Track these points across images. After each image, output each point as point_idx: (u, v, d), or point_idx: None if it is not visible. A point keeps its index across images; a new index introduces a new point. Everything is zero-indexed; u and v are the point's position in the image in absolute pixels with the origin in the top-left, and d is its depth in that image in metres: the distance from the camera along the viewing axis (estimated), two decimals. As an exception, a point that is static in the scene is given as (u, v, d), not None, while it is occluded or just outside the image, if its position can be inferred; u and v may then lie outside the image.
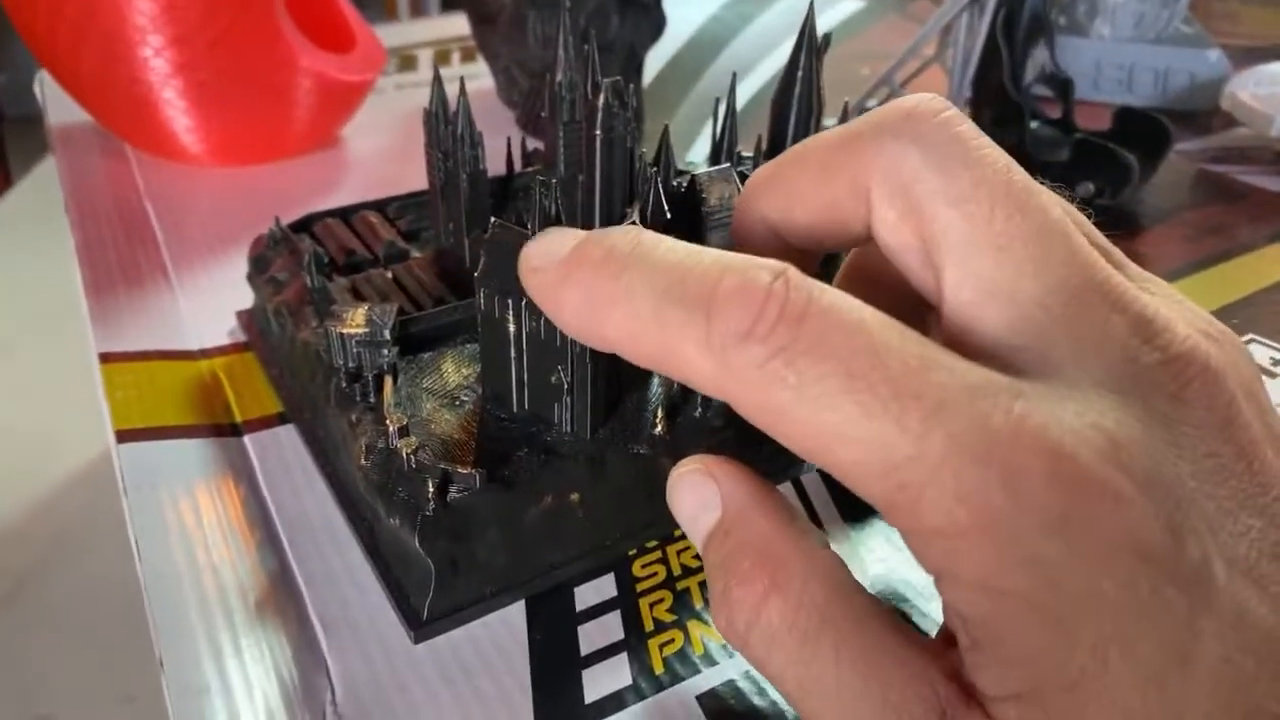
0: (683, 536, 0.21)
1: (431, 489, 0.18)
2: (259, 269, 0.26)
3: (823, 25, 0.58)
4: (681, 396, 0.21)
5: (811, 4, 0.23)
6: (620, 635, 0.19)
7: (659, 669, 0.18)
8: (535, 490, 0.19)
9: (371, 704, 0.17)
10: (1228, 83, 0.45)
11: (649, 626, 0.19)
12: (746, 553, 0.15)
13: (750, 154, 0.26)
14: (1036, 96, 0.40)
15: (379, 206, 0.28)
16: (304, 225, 0.27)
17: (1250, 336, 0.29)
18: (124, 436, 0.24)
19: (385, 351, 0.21)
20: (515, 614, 0.19)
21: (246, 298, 0.30)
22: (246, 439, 0.24)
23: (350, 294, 0.23)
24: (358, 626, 0.19)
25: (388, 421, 0.19)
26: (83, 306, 0.29)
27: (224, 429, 0.24)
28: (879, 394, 0.12)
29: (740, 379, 0.13)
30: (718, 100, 0.25)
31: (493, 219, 0.18)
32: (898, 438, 0.12)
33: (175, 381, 0.26)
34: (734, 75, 0.26)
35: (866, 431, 0.12)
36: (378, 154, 0.40)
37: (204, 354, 0.27)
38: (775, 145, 0.24)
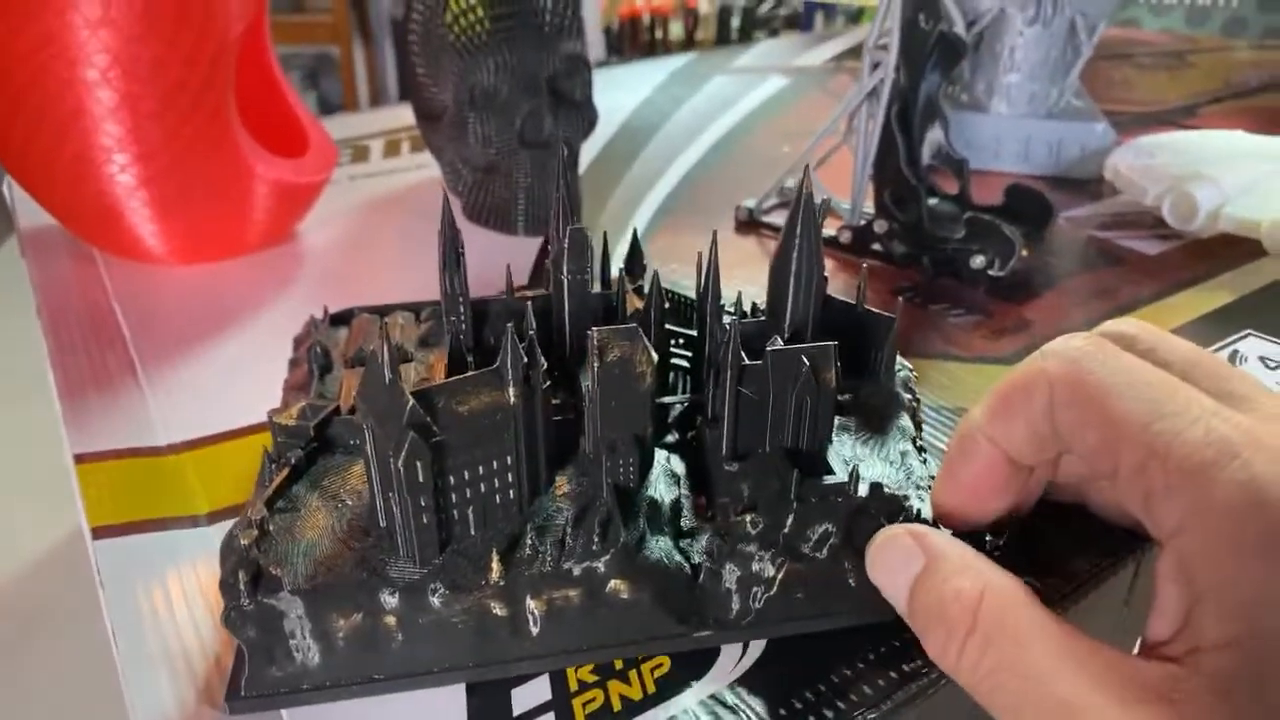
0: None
1: (244, 580, 0.20)
2: (295, 348, 0.29)
3: (749, 103, 0.62)
4: (531, 545, 0.22)
5: (806, 171, 0.25)
6: None
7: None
8: (350, 604, 0.20)
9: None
10: (1110, 154, 0.49)
11: None
12: (953, 591, 0.18)
13: (732, 309, 0.27)
14: (933, 168, 0.44)
15: (414, 309, 0.31)
16: (345, 317, 0.30)
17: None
18: (99, 533, 0.26)
19: (299, 446, 0.23)
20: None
21: (212, 392, 0.33)
22: (212, 529, 0.27)
23: (338, 385, 0.26)
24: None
25: (249, 511, 0.22)
26: (56, 408, 0.31)
27: (193, 520, 0.27)
28: None
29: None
30: (699, 255, 0.27)
31: (367, 358, 0.20)
32: None
33: (146, 477, 0.28)
34: (714, 234, 0.26)
35: None
36: (333, 246, 0.43)
37: (172, 449, 0.30)
38: (775, 308, 0.26)
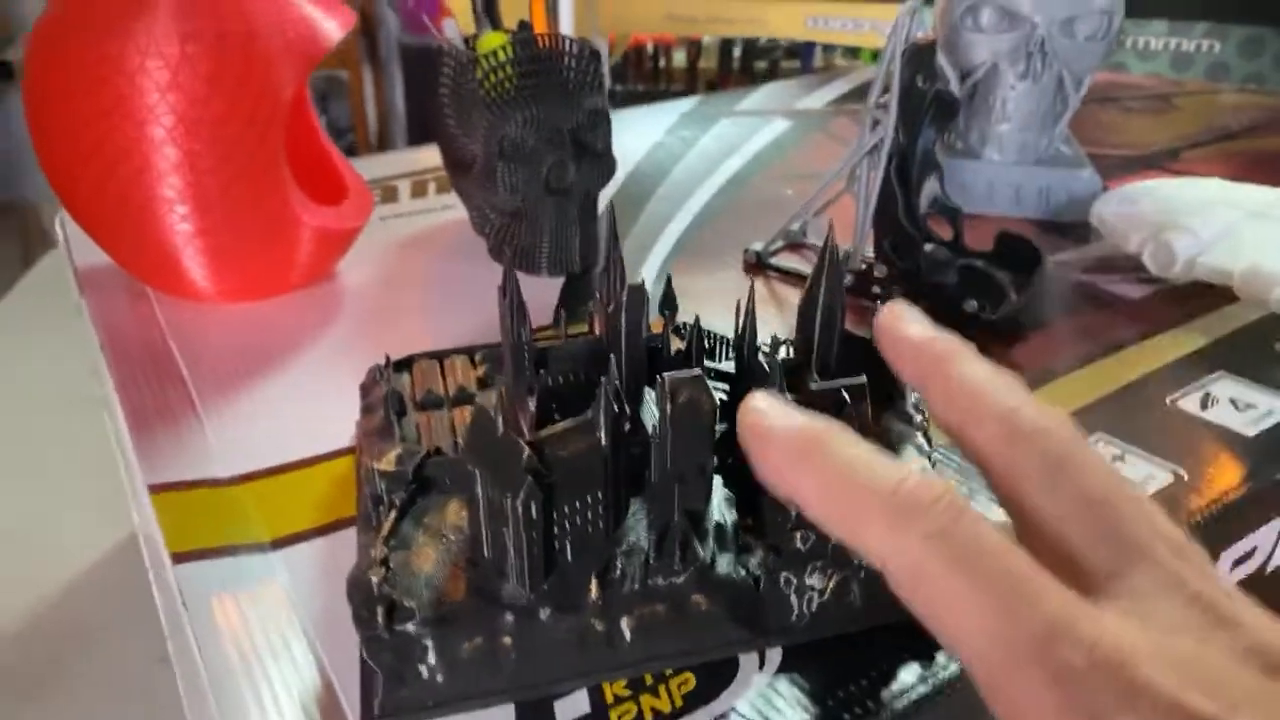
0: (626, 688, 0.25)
1: (381, 615, 0.23)
2: (364, 393, 0.32)
3: (753, 146, 0.65)
4: (620, 570, 0.25)
5: (830, 228, 0.29)
6: None
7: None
8: (473, 628, 0.24)
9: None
10: (1097, 200, 0.52)
11: None
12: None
13: (769, 347, 0.31)
14: (929, 215, 0.47)
15: (469, 353, 0.34)
16: (407, 363, 0.33)
17: (1099, 434, 0.36)
18: (178, 558, 0.29)
19: (402, 490, 0.26)
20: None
21: (266, 426, 0.35)
22: (276, 555, 0.29)
23: (415, 429, 0.29)
24: None
25: (375, 552, 0.25)
26: (126, 440, 0.34)
27: (260, 546, 0.30)
28: (1005, 599, 0.18)
29: (902, 543, 0.19)
30: (739, 302, 0.31)
31: (477, 406, 0.24)
32: (1008, 642, 0.17)
33: (212, 507, 0.31)
34: (752, 283, 0.31)
35: (990, 624, 0.18)
36: (370, 285, 0.46)
37: (232, 481, 0.33)
38: (804, 345, 0.30)
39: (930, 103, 0.44)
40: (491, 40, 0.49)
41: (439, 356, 0.34)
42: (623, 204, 0.55)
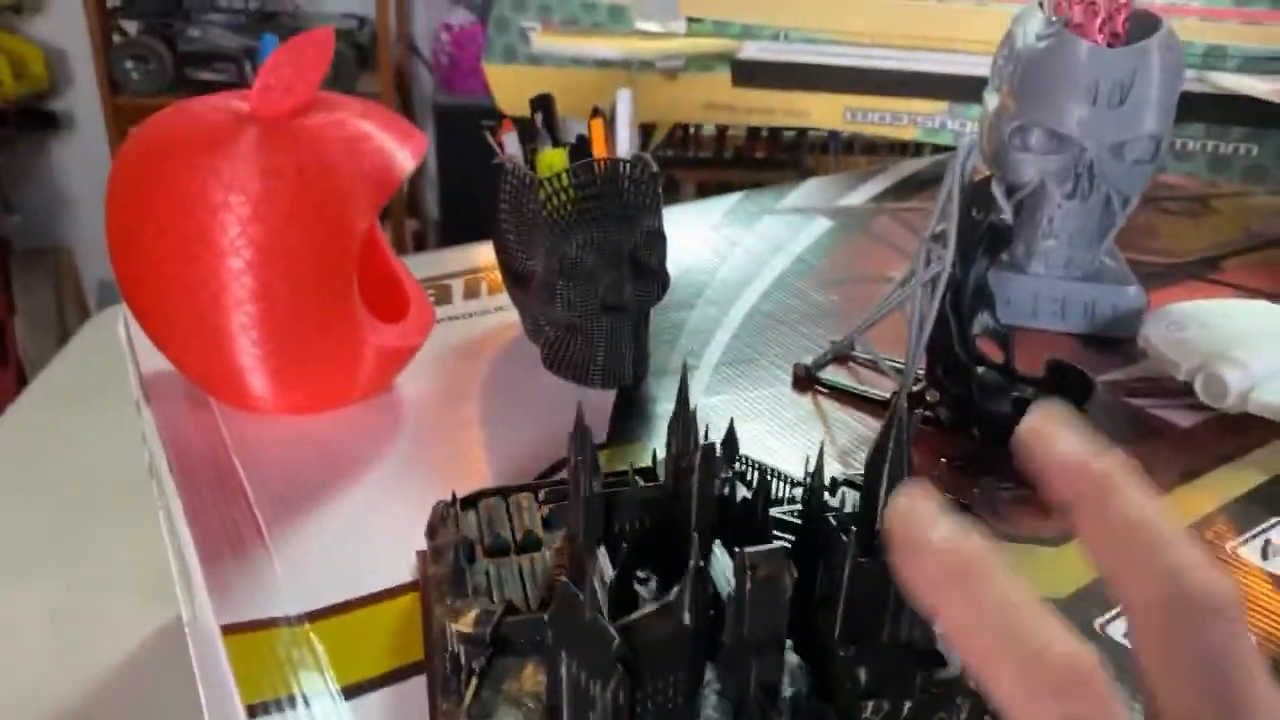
0: None
1: None
2: (430, 534, 0.33)
3: (797, 245, 0.66)
4: None
5: (897, 397, 0.30)
6: None
7: None
8: None
9: None
10: (1143, 322, 0.52)
11: None
12: None
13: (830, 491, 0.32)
14: (979, 336, 0.48)
15: (533, 489, 0.35)
16: (473, 500, 0.34)
17: (1159, 585, 0.36)
18: (252, 711, 0.29)
19: (480, 655, 0.27)
20: None
21: (331, 555, 0.36)
22: (347, 705, 0.30)
23: (484, 577, 0.30)
24: None
25: (467, 711, 0.25)
26: (197, 573, 0.35)
27: (330, 695, 0.30)
28: None
29: (1036, 713, 0.18)
30: (808, 458, 0.32)
31: (561, 585, 0.24)
32: None
33: (282, 649, 0.32)
34: (822, 445, 0.32)
35: None
36: (428, 396, 0.47)
37: (298, 619, 0.33)
38: (868, 505, 0.30)
39: (985, 232, 0.45)
40: (551, 157, 0.50)
41: (504, 494, 0.35)
42: (672, 307, 0.56)
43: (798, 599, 0.29)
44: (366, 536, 0.37)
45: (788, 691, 0.27)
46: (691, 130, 1.73)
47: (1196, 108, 0.76)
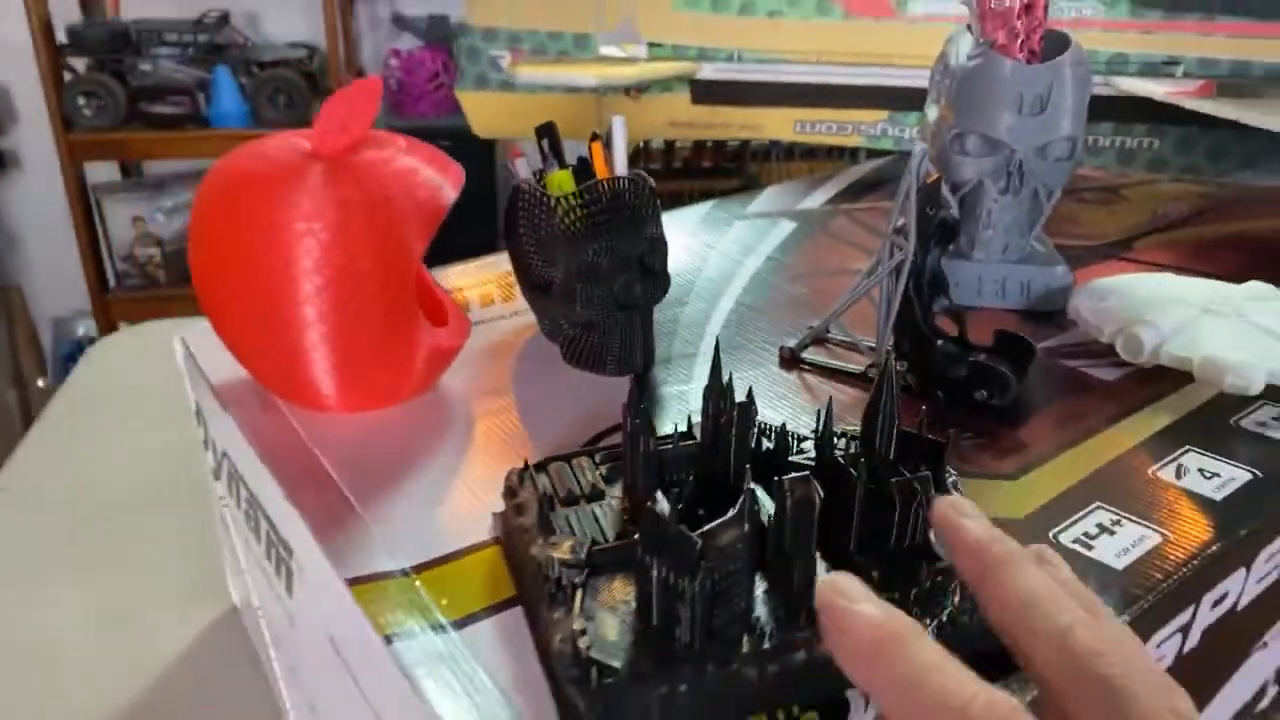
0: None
1: (595, 674, 0.30)
2: (509, 494, 0.40)
3: (767, 246, 0.74)
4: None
5: (889, 356, 0.38)
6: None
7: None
8: (659, 681, 0.31)
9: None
10: (1071, 296, 0.62)
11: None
12: None
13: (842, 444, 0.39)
14: (938, 314, 0.56)
15: (590, 454, 0.41)
16: (542, 465, 0.41)
17: (1097, 503, 0.44)
18: (387, 640, 0.36)
19: (579, 574, 0.34)
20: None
21: (416, 524, 0.42)
22: (457, 634, 0.36)
23: (565, 522, 0.36)
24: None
25: (573, 624, 0.32)
26: (310, 539, 0.41)
27: (442, 627, 0.36)
28: None
29: None
30: (819, 411, 0.39)
31: (654, 508, 0.31)
32: None
33: (395, 594, 0.38)
34: (829, 400, 0.40)
35: None
36: (468, 393, 0.53)
37: (404, 573, 0.40)
38: (868, 446, 0.38)
39: (937, 226, 0.53)
40: (559, 178, 0.57)
41: (567, 459, 0.42)
42: (668, 305, 0.63)
43: (820, 521, 0.36)
44: (444, 506, 0.44)
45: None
46: (642, 144, 1.81)
47: (1105, 108, 0.87)
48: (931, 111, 0.66)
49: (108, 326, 2.21)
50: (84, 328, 2.45)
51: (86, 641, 0.66)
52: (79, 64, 2.02)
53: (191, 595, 0.68)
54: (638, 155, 1.78)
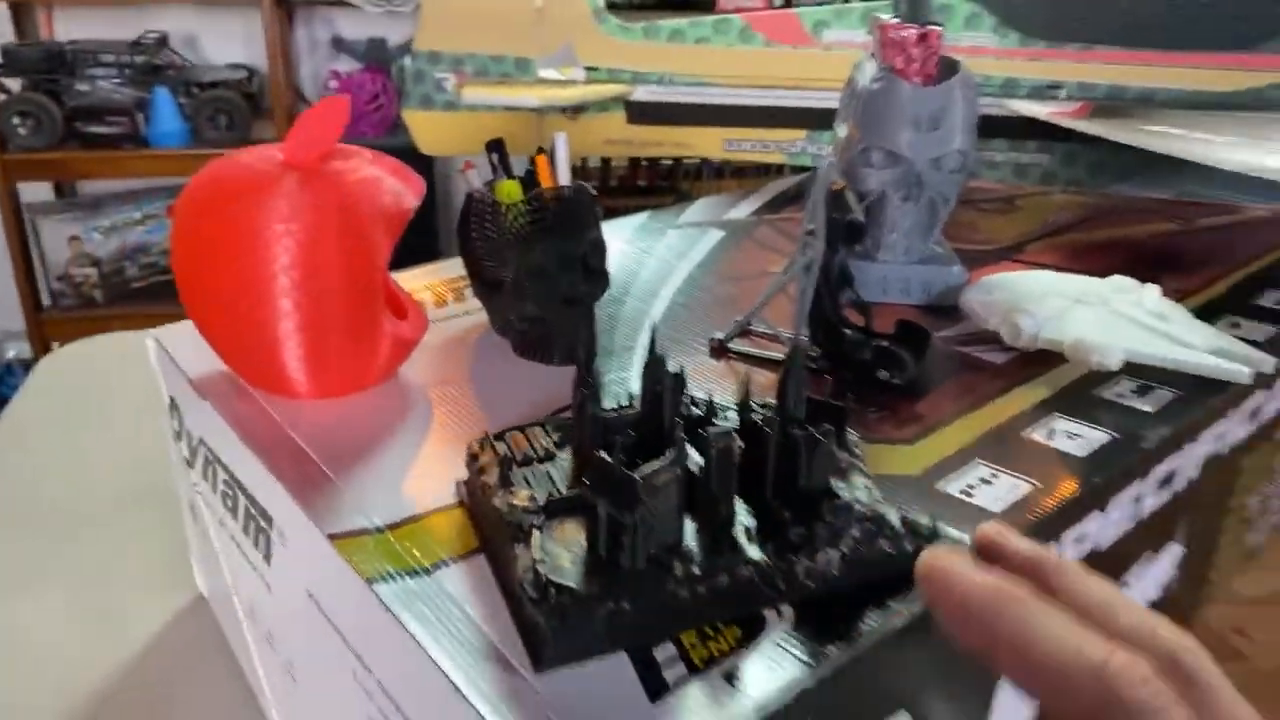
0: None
1: (553, 594, 0.36)
2: (472, 459, 0.45)
3: (698, 253, 0.81)
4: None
5: (797, 342, 0.44)
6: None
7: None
8: (605, 599, 0.37)
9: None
10: (963, 290, 0.70)
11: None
12: None
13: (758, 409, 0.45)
14: (847, 307, 0.63)
15: (541, 424, 0.47)
16: (500, 435, 0.46)
17: (978, 460, 0.51)
18: (371, 581, 0.41)
19: (536, 518, 0.39)
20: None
21: (392, 492, 0.48)
22: (432, 576, 0.42)
23: (522, 479, 0.42)
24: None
25: (533, 556, 0.38)
26: (291, 504, 0.46)
27: (422, 570, 0.42)
28: None
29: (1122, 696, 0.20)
30: (741, 379, 0.45)
31: (600, 456, 0.37)
32: None
33: (375, 548, 0.43)
34: (747, 374, 0.46)
35: None
36: (425, 383, 0.59)
37: (379, 530, 0.45)
38: (781, 411, 0.43)
39: (845, 228, 0.61)
40: (508, 187, 0.63)
41: (521, 429, 0.48)
42: (608, 304, 0.70)
43: (741, 470, 0.43)
44: (411, 476, 0.49)
45: (740, 528, 0.41)
46: (579, 163, 1.88)
47: (1000, 128, 0.96)
48: (841, 129, 0.74)
49: (42, 348, 2.19)
50: (15, 349, 2.42)
51: (53, 634, 0.69)
52: (13, 84, 2.02)
53: (158, 586, 0.72)
54: (576, 174, 1.85)
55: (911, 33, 0.70)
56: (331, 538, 0.44)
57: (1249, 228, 0.91)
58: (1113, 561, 0.54)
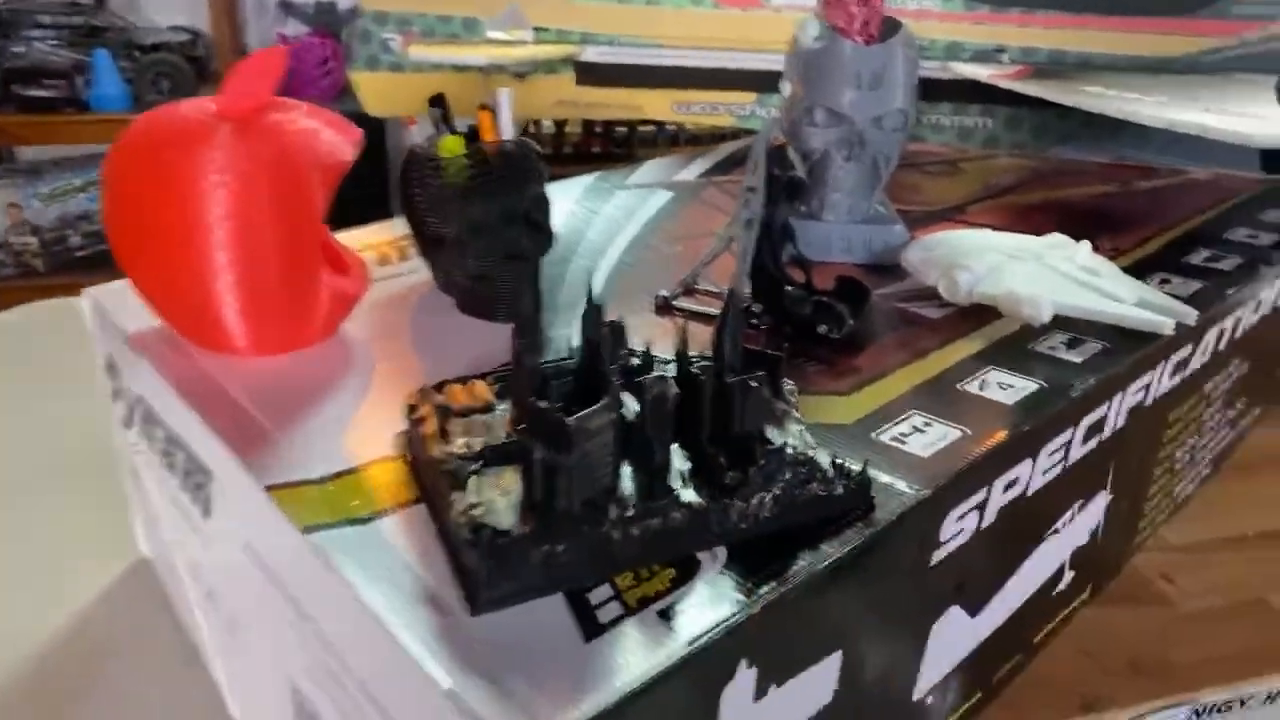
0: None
1: (486, 535, 0.36)
2: (410, 411, 0.45)
3: (645, 213, 0.81)
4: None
5: (732, 294, 0.44)
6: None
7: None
8: (540, 542, 0.37)
9: (504, 631, 0.36)
10: (906, 248, 0.71)
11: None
12: None
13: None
14: (788, 264, 0.64)
15: (482, 376, 0.47)
16: (440, 386, 0.46)
17: (912, 410, 0.53)
18: (307, 530, 0.41)
19: (474, 464, 0.40)
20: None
21: (330, 442, 0.48)
22: (371, 525, 0.42)
23: (460, 429, 0.42)
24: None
25: (469, 500, 0.38)
26: (229, 456, 0.46)
27: (362, 520, 0.42)
28: None
29: None
30: (679, 332, 0.46)
31: (536, 402, 0.38)
32: None
33: (314, 497, 0.43)
34: (685, 326, 0.46)
35: None
36: (369, 339, 0.59)
37: (318, 480, 0.45)
38: (717, 360, 0.44)
39: (785, 185, 0.61)
40: (450, 143, 0.63)
41: (461, 380, 0.48)
42: (554, 262, 0.70)
43: (678, 417, 0.43)
44: (351, 430, 0.49)
45: (676, 474, 0.42)
46: (532, 128, 1.86)
47: (944, 91, 0.97)
48: (785, 88, 0.75)
49: (-19, 319, 2.13)
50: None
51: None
52: (-56, 46, 1.95)
53: (99, 551, 0.71)
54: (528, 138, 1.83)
55: (855, -8, 0.71)
56: (269, 489, 0.44)
57: (1183, 190, 0.93)
58: (1045, 507, 0.56)
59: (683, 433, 0.43)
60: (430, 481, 0.43)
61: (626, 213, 0.81)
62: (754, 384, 0.42)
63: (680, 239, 0.78)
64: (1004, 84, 0.87)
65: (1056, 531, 0.59)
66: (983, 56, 0.97)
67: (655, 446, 0.41)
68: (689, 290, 0.67)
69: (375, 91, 1.09)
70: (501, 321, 0.62)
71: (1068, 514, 0.60)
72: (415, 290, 0.66)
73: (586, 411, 0.38)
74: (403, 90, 1.13)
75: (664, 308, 0.65)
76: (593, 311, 0.45)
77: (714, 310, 0.65)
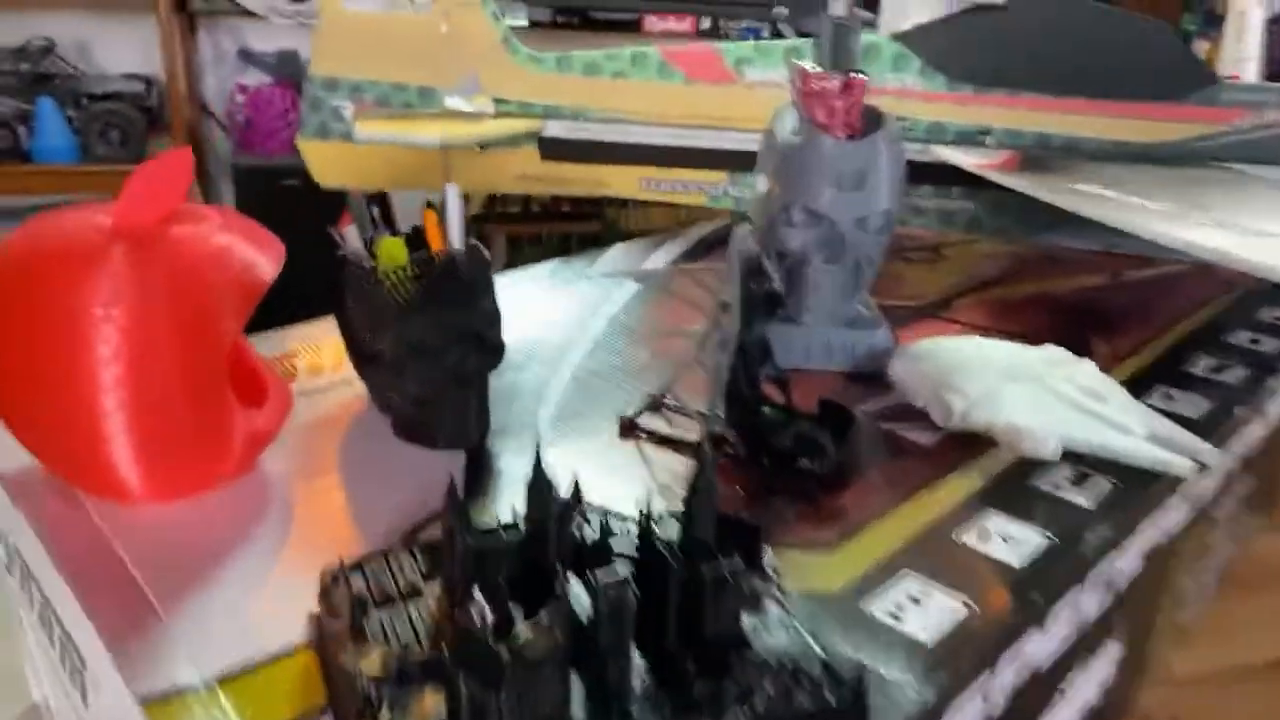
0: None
1: None
2: (323, 596, 0.38)
3: (609, 309, 0.75)
4: None
5: (702, 448, 0.38)
6: None
7: None
8: None
9: None
10: (892, 359, 0.65)
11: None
12: None
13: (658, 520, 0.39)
14: (764, 379, 0.58)
15: (411, 550, 0.40)
16: (358, 565, 0.39)
17: (907, 571, 0.46)
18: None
19: (388, 687, 0.33)
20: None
21: (224, 624, 0.40)
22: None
23: (379, 625, 0.35)
24: None
25: None
26: (104, 654, 0.38)
27: (253, 743, 0.35)
28: None
29: None
30: (640, 499, 0.39)
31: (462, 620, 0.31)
32: None
33: (195, 712, 0.36)
34: (649, 492, 0.40)
35: None
36: (291, 473, 0.52)
37: (207, 686, 0.37)
38: (688, 534, 0.38)
39: (763, 299, 0.55)
40: (390, 246, 0.56)
41: (385, 554, 0.41)
42: (507, 370, 0.62)
43: (640, 611, 0.37)
44: (256, 606, 0.42)
45: (637, 683, 0.35)
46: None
47: (926, 173, 0.92)
48: (760, 183, 0.69)
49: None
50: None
51: None
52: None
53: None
54: (494, 198, 1.77)
55: (835, 83, 0.66)
56: (146, 702, 0.36)
57: (1177, 281, 0.89)
58: (1050, 674, 0.50)
59: (645, 627, 0.37)
60: (340, 696, 0.35)
61: (590, 308, 0.75)
62: (729, 576, 0.36)
63: (647, 338, 0.71)
64: (993, 176, 0.82)
65: (1063, 694, 0.53)
66: (966, 138, 0.92)
67: (611, 661, 0.34)
68: (656, 407, 0.61)
69: (326, 162, 1.02)
70: (442, 449, 0.55)
71: (1073, 674, 0.54)
72: (348, 409, 0.59)
73: (526, 637, 0.31)
74: (355, 162, 1.06)
75: (628, 429, 0.59)
76: (542, 488, 0.39)
77: (682, 435, 0.58)
